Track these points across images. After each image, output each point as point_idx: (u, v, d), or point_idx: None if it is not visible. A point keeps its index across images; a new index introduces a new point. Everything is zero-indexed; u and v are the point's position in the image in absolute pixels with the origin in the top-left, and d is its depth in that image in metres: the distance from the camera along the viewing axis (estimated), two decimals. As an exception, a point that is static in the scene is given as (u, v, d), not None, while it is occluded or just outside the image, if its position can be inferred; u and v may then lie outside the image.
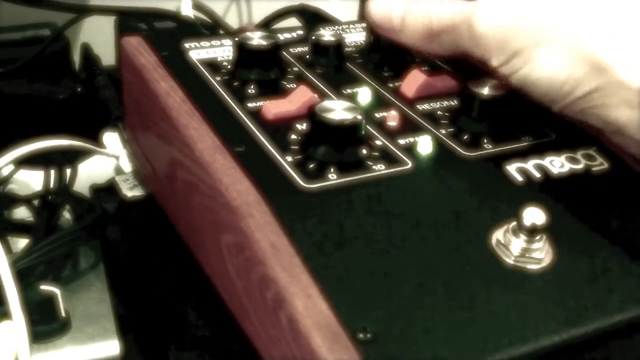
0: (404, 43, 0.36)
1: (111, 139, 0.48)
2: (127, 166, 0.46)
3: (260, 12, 0.74)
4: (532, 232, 0.26)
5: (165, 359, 0.33)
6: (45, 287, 0.32)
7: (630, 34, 0.29)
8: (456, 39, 0.33)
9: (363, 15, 0.56)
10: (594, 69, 0.29)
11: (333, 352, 0.23)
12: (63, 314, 0.32)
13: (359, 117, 0.31)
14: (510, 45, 0.31)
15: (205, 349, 0.33)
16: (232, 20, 0.73)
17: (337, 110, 0.31)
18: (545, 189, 0.31)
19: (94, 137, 0.48)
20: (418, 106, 0.36)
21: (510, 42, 0.31)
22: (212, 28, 0.59)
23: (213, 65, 0.39)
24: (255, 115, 0.35)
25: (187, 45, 0.41)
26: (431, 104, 0.36)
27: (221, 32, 0.60)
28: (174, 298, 0.35)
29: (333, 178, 0.30)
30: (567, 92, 0.30)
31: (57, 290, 0.32)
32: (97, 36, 0.62)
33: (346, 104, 0.32)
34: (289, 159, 0.31)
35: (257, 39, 0.38)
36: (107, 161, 0.48)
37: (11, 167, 0.46)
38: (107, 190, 0.44)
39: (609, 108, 0.29)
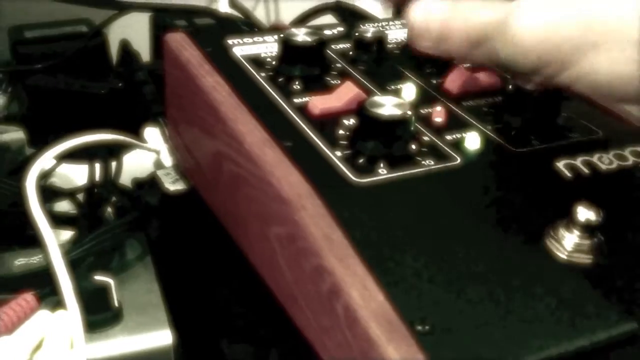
0: (448, 55, 0.32)
1: (152, 133, 0.48)
2: (167, 161, 0.47)
3: (287, 9, 0.74)
4: (586, 227, 0.27)
5: (213, 349, 0.33)
6: (99, 277, 0.32)
7: None
8: (491, 49, 0.29)
9: (398, 12, 0.56)
10: None
11: (392, 342, 0.23)
12: (116, 304, 0.33)
13: (409, 112, 0.31)
14: (560, 55, 0.27)
15: (253, 338, 0.33)
16: (260, 17, 0.74)
17: (387, 105, 0.32)
18: (595, 185, 0.31)
19: (133, 132, 0.48)
20: (463, 102, 0.37)
21: (560, 50, 0.27)
22: (246, 25, 0.60)
23: (257, 61, 0.40)
24: (302, 110, 0.35)
25: (230, 41, 0.42)
26: (476, 100, 0.37)
27: (256, 29, 0.61)
28: (220, 289, 0.36)
29: (383, 173, 0.31)
30: (637, 88, 0.26)
31: (110, 281, 0.32)
32: (130, 33, 0.63)
33: (395, 99, 0.32)
34: (338, 153, 0.32)
35: (302, 35, 0.38)
36: (147, 156, 0.48)
37: (53, 161, 0.47)
38: (148, 184, 0.45)
39: None
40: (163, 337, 0.32)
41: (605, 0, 0.26)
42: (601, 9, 0.26)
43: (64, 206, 0.46)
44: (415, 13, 0.32)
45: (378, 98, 0.32)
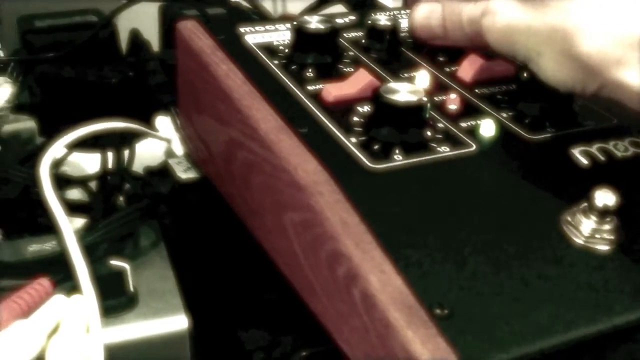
0: (452, 45, 0.38)
1: (163, 122, 0.48)
2: (179, 149, 0.47)
3: (294, 1, 0.74)
4: (603, 213, 0.27)
5: (228, 336, 0.33)
6: (114, 262, 0.32)
7: (615, 29, 0.28)
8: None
9: (408, 2, 0.56)
10: (589, 71, 0.29)
11: (411, 326, 0.23)
12: (131, 288, 0.33)
13: (424, 98, 0.31)
14: (517, 53, 0.32)
15: (268, 325, 0.33)
16: (266, 6, 0.73)
17: (402, 92, 0.32)
18: (611, 171, 0.31)
19: (144, 121, 0.48)
20: (476, 90, 0.36)
21: (516, 51, 0.32)
22: (256, 15, 0.59)
23: (269, 49, 0.40)
24: (315, 97, 0.35)
25: (242, 29, 0.42)
26: (489, 88, 0.37)
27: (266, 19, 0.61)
28: (234, 276, 0.36)
29: (399, 159, 0.31)
30: (580, 91, 0.30)
31: (126, 265, 0.32)
32: (138, 23, 0.63)
33: (410, 86, 0.32)
34: (353, 139, 0.32)
35: (315, 23, 0.38)
36: (158, 144, 0.48)
37: (64, 149, 0.47)
38: (160, 173, 0.45)
39: (622, 98, 0.29)
40: (178, 321, 0.32)
41: (549, 17, 0.30)
42: (545, 23, 0.30)
43: (74, 194, 0.46)
44: (416, 15, 0.38)
45: (393, 85, 0.32)
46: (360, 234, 0.27)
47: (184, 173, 0.44)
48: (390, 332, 0.24)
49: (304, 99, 0.35)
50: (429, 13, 0.38)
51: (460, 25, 0.35)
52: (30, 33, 0.57)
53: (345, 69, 0.38)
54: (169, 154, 0.47)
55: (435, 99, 0.35)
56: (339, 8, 0.59)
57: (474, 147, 0.32)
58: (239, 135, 0.35)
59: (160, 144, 0.48)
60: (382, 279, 0.25)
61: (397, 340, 0.23)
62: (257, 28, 0.42)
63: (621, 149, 0.32)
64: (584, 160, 0.31)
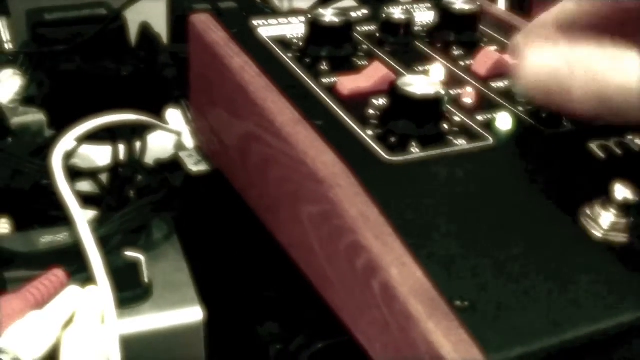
0: (568, 111, 0.27)
1: (174, 115, 0.48)
2: (189, 142, 0.46)
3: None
4: (623, 206, 0.27)
5: (242, 328, 0.33)
6: (129, 254, 0.32)
7: None
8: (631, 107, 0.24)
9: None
10: None
11: (432, 318, 0.23)
12: (146, 280, 0.33)
13: (442, 91, 0.31)
14: None
15: (283, 317, 0.33)
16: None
17: (418, 85, 0.31)
18: (628, 165, 0.31)
19: (154, 114, 0.48)
20: (492, 84, 0.36)
21: None
22: (267, 9, 0.59)
23: (283, 42, 0.40)
24: (330, 90, 0.35)
25: (255, 22, 0.42)
26: (505, 82, 0.36)
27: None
28: (246, 269, 0.36)
29: (416, 151, 0.31)
30: None
31: (141, 257, 0.32)
32: (146, 17, 0.63)
33: (426, 79, 0.32)
34: (370, 132, 0.32)
35: (329, 16, 0.38)
36: (168, 137, 0.48)
37: (73, 142, 0.47)
38: (171, 166, 0.45)
39: None
40: (193, 313, 0.32)
41: None
42: None
43: (83, 187, 0.46)
44: (530, 62, 0.27)
45: (409, 78, 0.32)
46: (379, 226, 0.27)
47: (195, 166, 0.44)
48: (411, 324, 0.24)
49: (319, 92, 0.35)
50: (554, 66, 0.26)
51: (593, 90, 0.25)
52: (40, 26, 0.57)
53: (359, 62, 0.38)
54: (179, 146, 0.47)
55: (451, 92, 0.35)
56: (348, 2, 0.59)
57: (491, 140, 0.32)
58: (254, 128, 0.35)
59: (170, 136, 0.48)
60: (402, 272, 0.25)
61: (418, 332, 0.23)
62: (270, 21, 0.42)
63: (638, 142, 0.32)
64: (601, 154, 0.31)
